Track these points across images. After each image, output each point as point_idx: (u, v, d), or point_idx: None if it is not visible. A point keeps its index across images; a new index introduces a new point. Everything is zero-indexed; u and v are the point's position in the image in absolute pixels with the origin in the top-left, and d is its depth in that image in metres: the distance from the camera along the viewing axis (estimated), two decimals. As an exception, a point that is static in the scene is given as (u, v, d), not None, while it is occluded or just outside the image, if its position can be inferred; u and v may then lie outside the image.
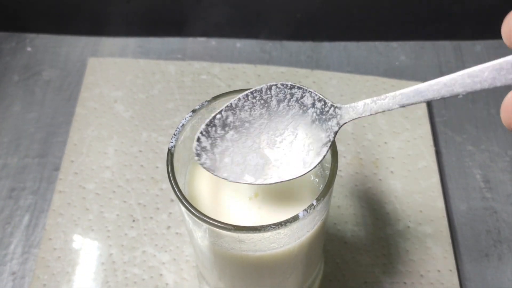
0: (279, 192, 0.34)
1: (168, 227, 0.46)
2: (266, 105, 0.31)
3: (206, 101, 0.33)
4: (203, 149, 0.31)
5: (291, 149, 0.31)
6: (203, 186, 0.34)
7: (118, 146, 0.51)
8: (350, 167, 0.50)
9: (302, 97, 0.30)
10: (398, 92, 0.28)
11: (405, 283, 0.44)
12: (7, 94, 0.55)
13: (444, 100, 0.55)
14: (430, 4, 0.59)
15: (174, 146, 0.32)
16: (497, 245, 0.47)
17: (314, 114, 0.30)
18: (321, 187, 0.34)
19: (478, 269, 0.45)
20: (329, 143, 0.30)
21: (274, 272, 0.36)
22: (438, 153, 0.51)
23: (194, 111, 0.33)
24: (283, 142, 0.31)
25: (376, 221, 0.47)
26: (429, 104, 0.55)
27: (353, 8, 0.59)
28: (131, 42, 0.59)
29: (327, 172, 0.32)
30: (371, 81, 0.56)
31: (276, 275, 0.36)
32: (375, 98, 0.29)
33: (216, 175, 0.31)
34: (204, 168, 0.31)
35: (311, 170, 0.30)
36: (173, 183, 0.30)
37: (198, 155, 0.30)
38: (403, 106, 0.28)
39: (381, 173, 0.50)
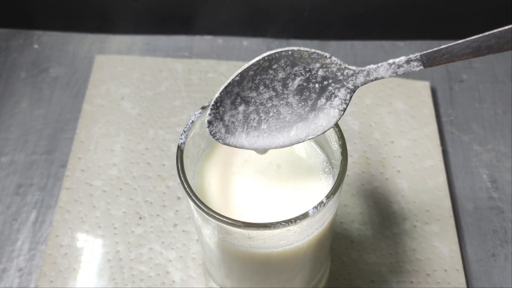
0: (288, 189, 0.34)
1: (175, 225, 0.46)
2: (276, 81, 0.30)
3: (215, 98, 0.33)
4: (216, 116, 0.30)
5: (310, 108, 0.30)
6: (212, 183, 0.34)
7: (125, 143, 0.51)
8: (356, 166, 0.50)
9: (311, 70, 0.29)
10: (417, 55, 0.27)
11: (411, 282, 0.44)
12: (14, 91, 0.55)
13: (451, 99, 0.55)
14: (437, 4, 0.58)
15: (184, 142, 0.32)
16: (504, 245, 0.46)
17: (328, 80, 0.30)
18: (330, 184, 0.34)
19: (484, 268, 0.45)
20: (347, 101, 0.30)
21: (281, 270, 0.36)
22: (445, 153, 0.51)
23: (203, 108, 0.33)
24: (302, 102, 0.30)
25: (382, 220, 0.47)
26: (436, 103, 0.54)
27: (360, 7, 0.59)
28: (138, 39, 0.59)
29: (336, 170, 0.32)
30: (378, 81, 0.55)
31: (283, 273, 0.36)
32: (395, 60, 0.28)
33: (229, 144, 0.30)
34: (216, 138, 0.30)
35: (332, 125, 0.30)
36: (182, 179, 0.31)
37: (209, 122, 0.30)
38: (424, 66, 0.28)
39: (388, 172, 0.50)
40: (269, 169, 0.35)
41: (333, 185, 0.30)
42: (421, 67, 0.27)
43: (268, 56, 0.29)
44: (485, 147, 0.52)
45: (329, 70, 0.29)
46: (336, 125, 0.32)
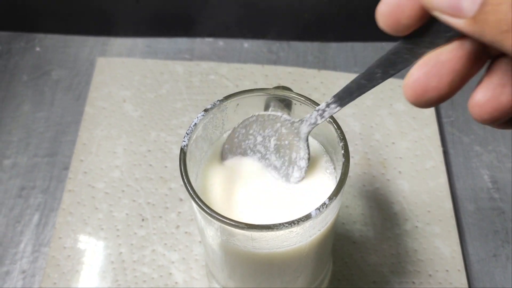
0: (291, 191, 0.34)
1: (177, 226, 0.47)
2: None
3: (218, 100, 0.34)
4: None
5: (288, 164, 0.34)
6: (215, 185, 0.34)
7: (127, 145, 0.51)
8: (358, 167, 0.50)
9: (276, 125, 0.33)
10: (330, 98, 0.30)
11: (413, 282, 0.44)
12: (16, 93, 0.55)
13: (451, 100, 0.55)
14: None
15: (187, 145, 0.32)
16: (505, 245, 0.47)
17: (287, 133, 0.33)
18: (333, 186, 0.34)
19: (486, 269, 0.45)
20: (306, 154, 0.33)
21: (284, 271, 0.36)
22: (445, 154, 0.52)
23: (206, 110, 0.33)
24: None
25: (384, 221, 0.47)
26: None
27: (360, 9, 0.59)
28: (140, 42, 0.60)
29: (338, 171, 0.32)
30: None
31: (286, 274, 0.36)
32: (321, 106, 0.31)
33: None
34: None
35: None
36: (186, 181, 0.31)
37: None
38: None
39: (389, 173, 0.50)
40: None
41: (336, 187, 0.30)
42: (339, 107, 0.29)
43: (241, 123, 0.34)
44: (486, 148, 0.52)
45: (286, 126, 0.33)
46: (338, 127, 0.32)
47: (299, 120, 0.32)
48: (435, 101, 0.22)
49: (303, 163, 0.33)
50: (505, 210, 0.48)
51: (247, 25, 0.60)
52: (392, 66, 0.25)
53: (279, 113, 0.33)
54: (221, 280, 0.41)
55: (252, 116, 0.33)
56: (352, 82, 0.27)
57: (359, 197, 0.48)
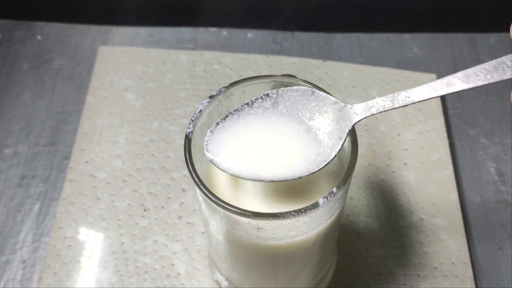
0: (298, 180, 0.33)
1: (180, 217, 0.46)
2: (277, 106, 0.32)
3: (223, 87, 0.33)
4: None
5: (304, 144, 0.31)
6: (220, 173, 0.34)
7: (129, 135, 0.51)
8: (363, 159, 0.49)
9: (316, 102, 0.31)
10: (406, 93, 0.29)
11: (418, 275, 0.44)
12: (17, 82, 0.55)
13: (457, 93, 0.54)
14: (444, -4, 0.58)
15: (192, 132, 0.32)
16: (511, 238, 0.46)
17: (330, 114, 0.31)
18: (340, 175, 0.33)
19: (492, 262, 0.45)
20: (343, 140, 0.30)
21: (289, 262, 0.35)
22: (451, 146, 0.51)
23: (211, 97, 0.33)
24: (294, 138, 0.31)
25: (389, 213, 0.47)
26: (443, 96, 0.54)
27: (365, -1, 0.59)
28: (142, 31, 0.59)
29: (345, 160, 0.32)
30: (384, 73, 0.55)
31: (291, 265, 0.36)
32: (389, 97, 0.30)
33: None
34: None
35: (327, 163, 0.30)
36: (190, 168, 0.30)
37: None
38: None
39: (394, 165, 0.49)
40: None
41: (344, 176, 0.30)
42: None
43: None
44: (492, 140, 0.52)
45: (328, 106, 0.32)
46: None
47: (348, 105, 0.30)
48: None
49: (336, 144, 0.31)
50: (512, 203, 0.48)
51: (251, 14, 0.60)
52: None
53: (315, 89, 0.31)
54: (224, 271, 0.40)
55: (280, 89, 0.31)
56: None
57: (364, 188, 0.48)
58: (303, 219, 0.29)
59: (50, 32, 0.58)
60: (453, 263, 0.44)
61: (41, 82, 0.55)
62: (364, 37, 0.59)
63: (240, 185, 0.33)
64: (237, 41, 0.58)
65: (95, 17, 0.59)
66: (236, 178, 0.33)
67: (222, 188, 0.33)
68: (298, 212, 0.28)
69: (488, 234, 0.46)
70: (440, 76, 0.55)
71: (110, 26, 0.59)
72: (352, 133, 0.31)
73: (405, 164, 0.49)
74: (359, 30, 0.59)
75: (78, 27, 0.59)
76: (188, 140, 0.31)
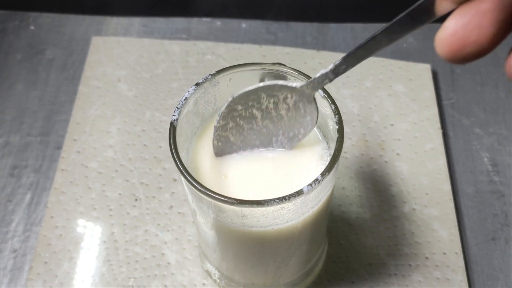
0: (284, 169, 0.33)
1: (171, 207, 0.46)
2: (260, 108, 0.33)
3: (209, 74, 0.33)
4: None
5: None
6: (206, 161, 0.33)
7: (121, 125, 0.50)
8: (355, 149, 0.49)
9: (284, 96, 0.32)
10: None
11: (410, 265, 0.43)
12: (10, 72, 0.54)
13: (452, 82, 0.54)
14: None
15: (177, 119, 0.31)
16: (504, 228, 0.46)
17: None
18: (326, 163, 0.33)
19: (484, 252, 0.45)
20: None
21: (277, 250, 0.35)
22: (445, 136, 0.51)
23: (197, 84, 0.33)
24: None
25: (381, 203, 0.46)
26: (437, 86, 0.54)
27: (360, -11, 0.58)
28: (136, 21, 0.59)
29: (333, 147, 0.32)
30: (378, 63, 0.55)
31: (279, 253, 0.36)
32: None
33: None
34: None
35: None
36: (175, 156, 0.30)
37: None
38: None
39: (387, 155, 0.49)
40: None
41: (329, 162, 0.30)
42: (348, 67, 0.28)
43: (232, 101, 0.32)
44: (486, 130, 0.51)
45: (286, 91, 0.32)
46: (332, 101, 0.32)
47: (300, 85, 0.31)
48: (474, 56, 0.20)
49: (308, 124, 0.32)
50: (505, 193, 0.47)
51: (245, 5, 0.59)
52: (418, 18, 0.22)
53: (273, 81, 0.31)
54: (214, 261, 0.40)
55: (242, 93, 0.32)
56: (371, 38, 0.25)
57: (356, 178, 0.47)
58: (287, 206, 0.29)
59: (43, 22, 0.58)
60: (444, 253, 0.44)
61: (34, 73, 0.55)
62: (358, 27, 0.59)
63: (228, 173, 0.33)
64: (231, 31, 0.58)
65: (88, 7, 0.59)
66: (222, 165, 0.33)
67: (209, 176, 0.33)
68: (282, 199, 0.28)
69: (481, 224, 0.46)
70: (434, 66, 0.55)
71: (103, 17, 0.59)
72: (338, 118, 0.31)
73: (398, 154, 0.49)
74: (353, 20, 0.59)
75: (72, 17, 0.59)
76: (173, 127, 0.31)
